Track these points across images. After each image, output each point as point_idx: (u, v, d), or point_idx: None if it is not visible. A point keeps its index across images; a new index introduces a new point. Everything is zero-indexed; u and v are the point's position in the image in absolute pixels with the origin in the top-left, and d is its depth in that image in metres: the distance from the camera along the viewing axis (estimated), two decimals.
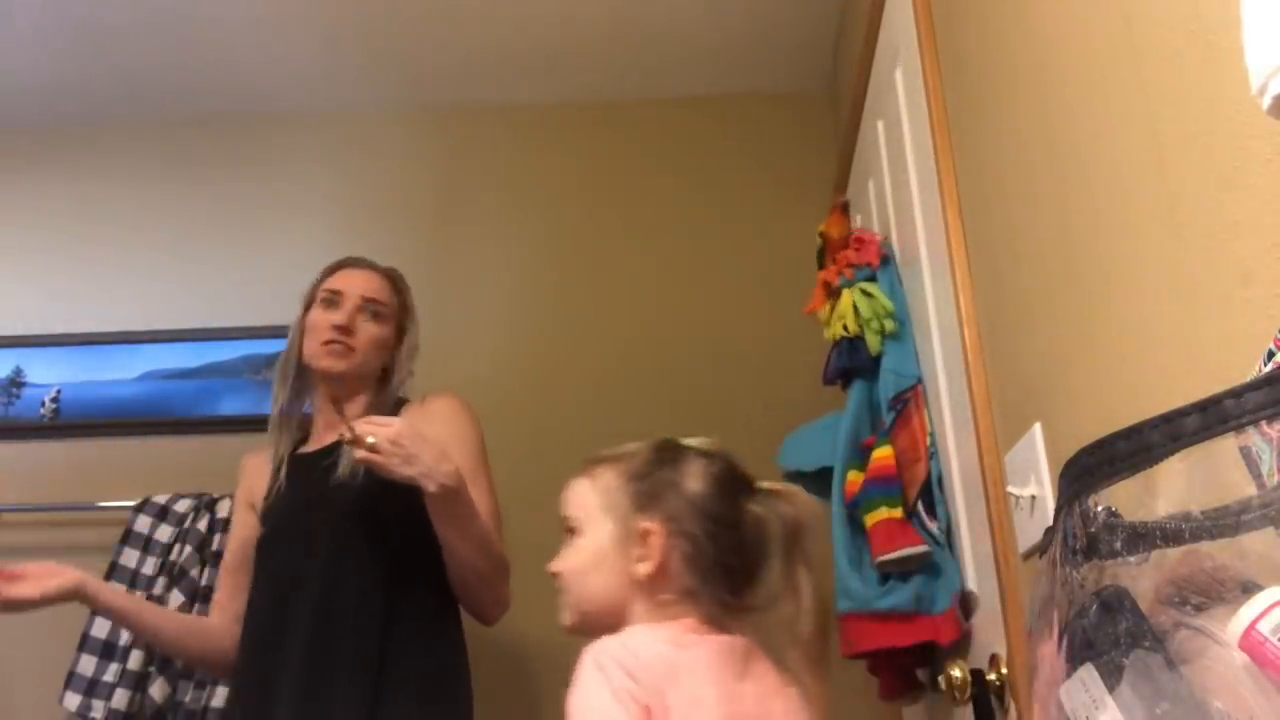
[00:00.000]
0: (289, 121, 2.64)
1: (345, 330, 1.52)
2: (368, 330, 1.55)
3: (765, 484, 1.01)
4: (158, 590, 1.96)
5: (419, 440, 1.33)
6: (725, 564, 0.95)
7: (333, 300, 1.56)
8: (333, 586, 1.42)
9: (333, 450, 1.47)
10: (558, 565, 1.01)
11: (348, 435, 1.31)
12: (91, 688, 1.92)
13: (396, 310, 1.62)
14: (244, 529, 1.58)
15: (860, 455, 1.48)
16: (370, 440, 1.29)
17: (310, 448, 1.58)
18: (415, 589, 1.45)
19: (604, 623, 0.95)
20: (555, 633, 1.03)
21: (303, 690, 1.36)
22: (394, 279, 1.65)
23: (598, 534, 0.98)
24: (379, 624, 1.40)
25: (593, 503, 1.00)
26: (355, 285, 1.58)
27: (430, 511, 1.37)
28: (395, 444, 1.29)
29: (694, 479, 0.98)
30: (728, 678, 0.89)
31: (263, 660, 1.41)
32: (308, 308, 1.59)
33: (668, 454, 1.01)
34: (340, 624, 1.40)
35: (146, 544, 2.05)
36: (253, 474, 1.62)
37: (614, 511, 0.98)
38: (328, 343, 1.52)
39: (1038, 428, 1.00)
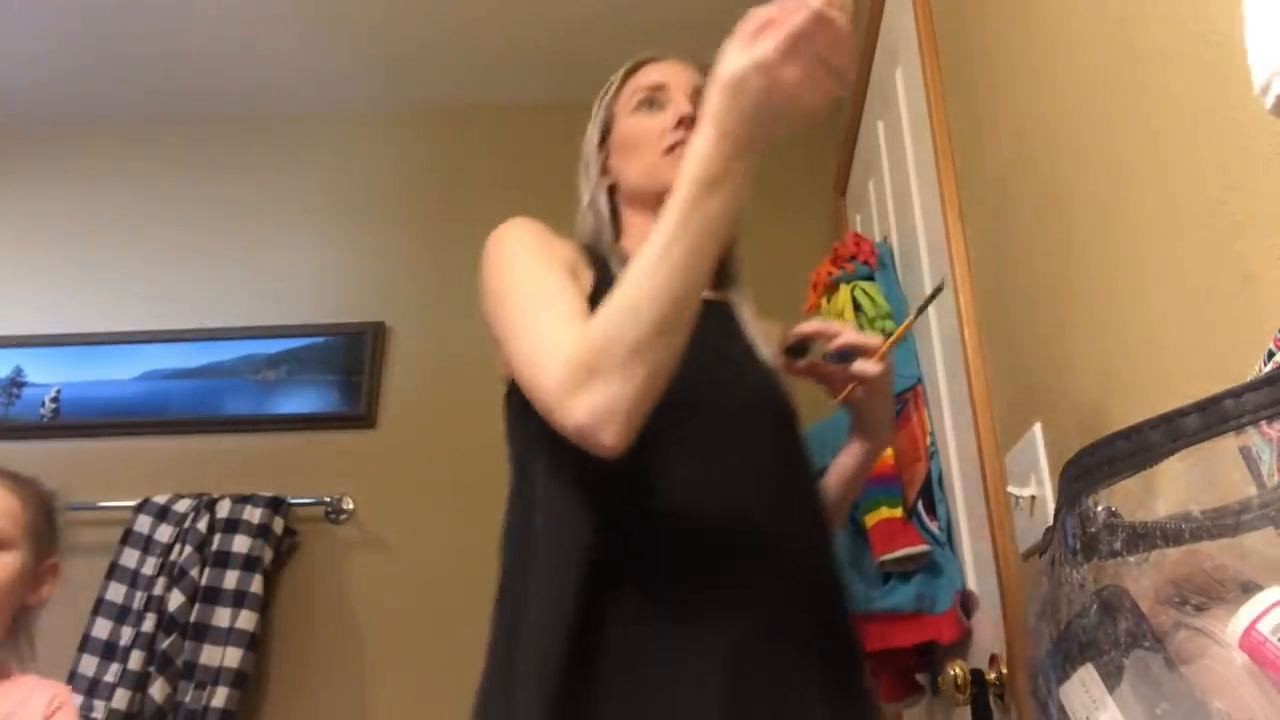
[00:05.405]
0: (289, 121, 2.64)
1: (688, 123, 1.08)
2: None
3: None
4: (158, 590, 1.95)
5: None
6: None
7: (656, 100, 1.14)
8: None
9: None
10: None
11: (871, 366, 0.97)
12: (92, 688, 1.92)
13: None
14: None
15: None
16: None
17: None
18: None
19: None
20: None
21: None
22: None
23: None
24: None
25: None
26: (680, 76, 1.15)
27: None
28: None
29: None
30: None
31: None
32: (605, 134, 1.18)
33: None
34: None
35: (146, 544, 2.04)
36: (567, 250, 1.10)
37: None
38: (673, 147, 1.09)
39: (1038, 428, 1.00)
